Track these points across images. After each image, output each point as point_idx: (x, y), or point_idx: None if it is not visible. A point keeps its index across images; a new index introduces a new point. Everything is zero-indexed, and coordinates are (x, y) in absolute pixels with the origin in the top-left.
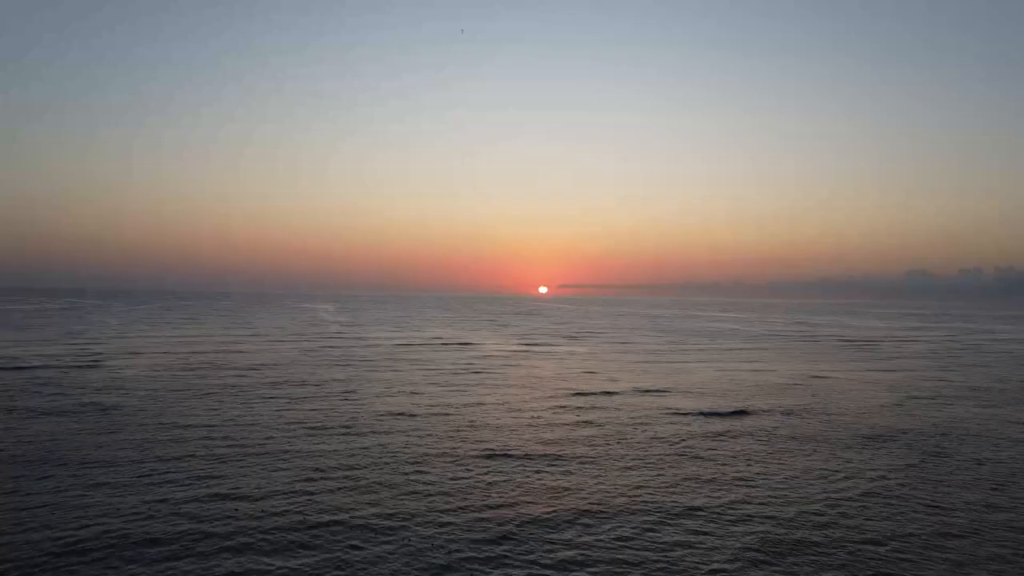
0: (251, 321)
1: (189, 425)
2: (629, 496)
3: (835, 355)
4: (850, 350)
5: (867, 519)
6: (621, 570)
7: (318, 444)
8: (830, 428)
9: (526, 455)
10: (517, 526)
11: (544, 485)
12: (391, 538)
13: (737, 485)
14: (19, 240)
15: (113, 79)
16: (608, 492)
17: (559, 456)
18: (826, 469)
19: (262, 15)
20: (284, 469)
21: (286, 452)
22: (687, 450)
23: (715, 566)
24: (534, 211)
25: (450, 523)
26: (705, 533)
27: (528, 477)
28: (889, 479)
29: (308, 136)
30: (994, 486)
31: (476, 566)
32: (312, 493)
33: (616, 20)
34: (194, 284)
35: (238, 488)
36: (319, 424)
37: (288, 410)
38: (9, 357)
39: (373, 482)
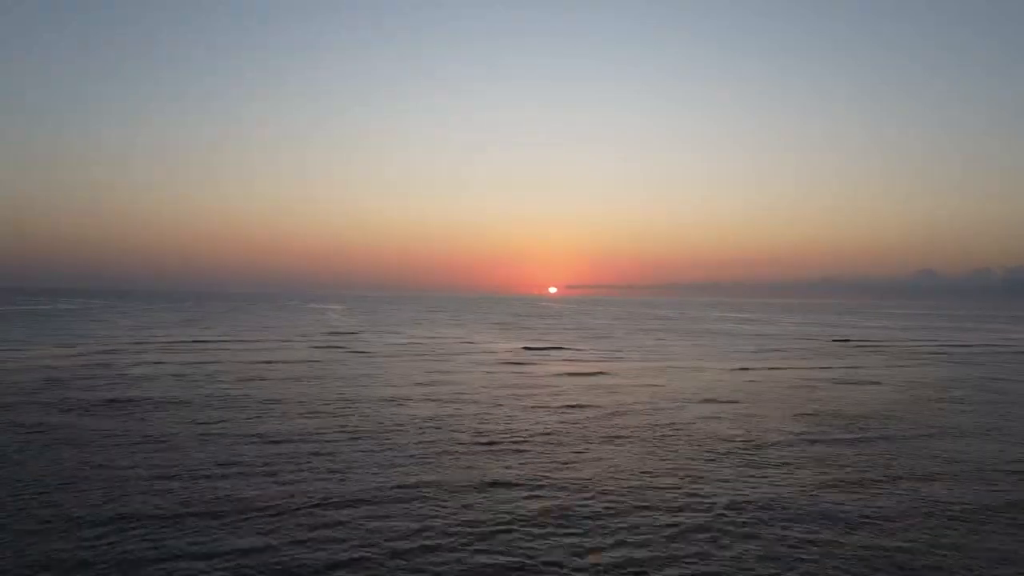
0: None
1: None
2: None
3: None
4: None
5: None
6: None
7: None
8: None
9: None
10: None
11: None
12: None
13: None
14: (19, 240)
15: (113, 79)
16: None
17: None
18: None
19: (262, 15)
20: None
21: None
22: None
23: None
24: (535, 211)
25: None
26: None
27: None
28: None
29: (309, 136)
30: None
31: None
32: None
33: (616, 20)
34: (193, 285)
35: None
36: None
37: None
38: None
39: None
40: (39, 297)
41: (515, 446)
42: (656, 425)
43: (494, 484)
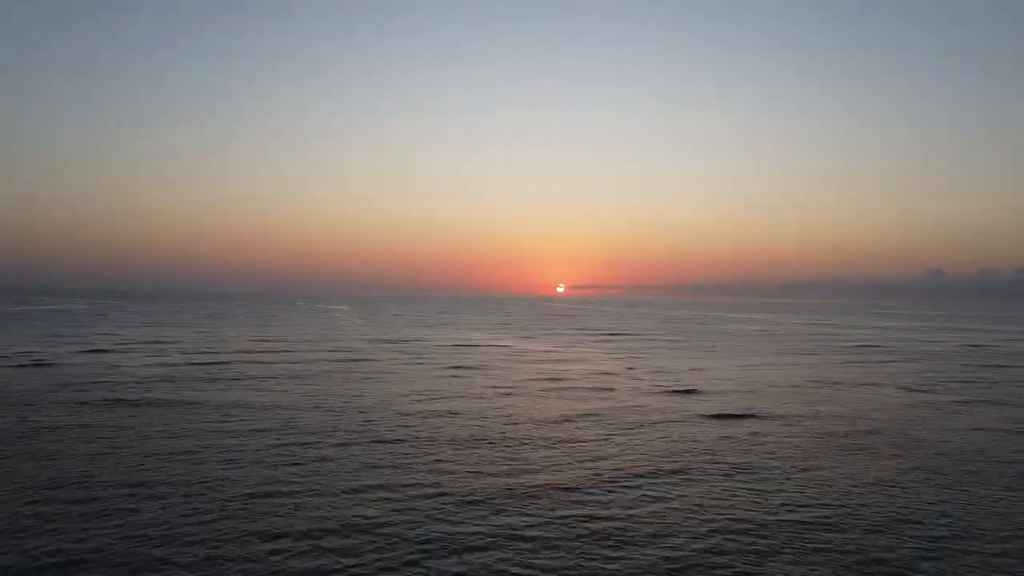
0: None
1: None
2: None
3: None
4: None
5: None
6: None
7: None
8: None
9: None
10: None
11: None
12: None
13: None
14: (19, 240)
15: (113, 79)
16: None
17: None
18: None
19: (262, 15)
20: None
21: None
22: None
23: None
24: (536, 211)
25: None
26: None
27: None
28: None
29: (309, 136)
30: None
31: None
32: None
33: (616, 20)
34: (193, 285)
35: None
36: None
37: None
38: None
39: None
40: (43, 297)
41: None
42: None
43: None
